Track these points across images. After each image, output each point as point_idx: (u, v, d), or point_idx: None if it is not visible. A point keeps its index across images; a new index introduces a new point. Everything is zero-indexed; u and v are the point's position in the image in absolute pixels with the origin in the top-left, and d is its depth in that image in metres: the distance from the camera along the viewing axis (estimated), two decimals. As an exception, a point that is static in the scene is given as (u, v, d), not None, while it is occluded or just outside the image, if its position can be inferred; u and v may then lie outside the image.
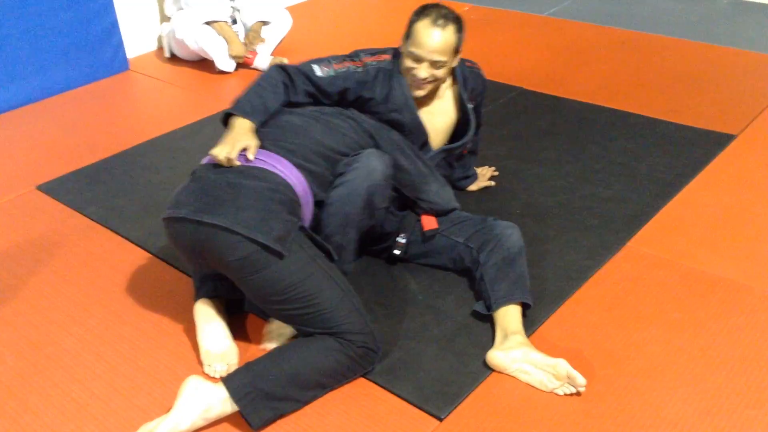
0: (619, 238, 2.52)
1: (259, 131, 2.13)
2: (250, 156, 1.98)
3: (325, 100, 2.29)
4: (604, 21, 4.74)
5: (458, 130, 2.48)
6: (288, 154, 2.04)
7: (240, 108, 2.13)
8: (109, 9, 4.09)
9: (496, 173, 2.90)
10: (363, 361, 1.93)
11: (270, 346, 2.04)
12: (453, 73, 2.38)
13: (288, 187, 1.96)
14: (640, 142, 3.16)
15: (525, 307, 2.12)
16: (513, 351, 1.94)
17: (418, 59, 2.22)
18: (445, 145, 2.48)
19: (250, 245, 1.82)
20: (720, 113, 3.40)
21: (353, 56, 2.33)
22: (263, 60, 4.16)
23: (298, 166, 2.02)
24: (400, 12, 5.04)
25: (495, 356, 1.96)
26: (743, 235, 2.53)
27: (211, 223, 1.83)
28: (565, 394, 1.88)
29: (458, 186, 2.76)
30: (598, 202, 2.73)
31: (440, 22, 2.19)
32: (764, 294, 2.24)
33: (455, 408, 1.87)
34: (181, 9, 4.24)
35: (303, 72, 2.25)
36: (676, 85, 3.72)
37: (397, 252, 2.32)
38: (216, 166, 1.99)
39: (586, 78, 3.86)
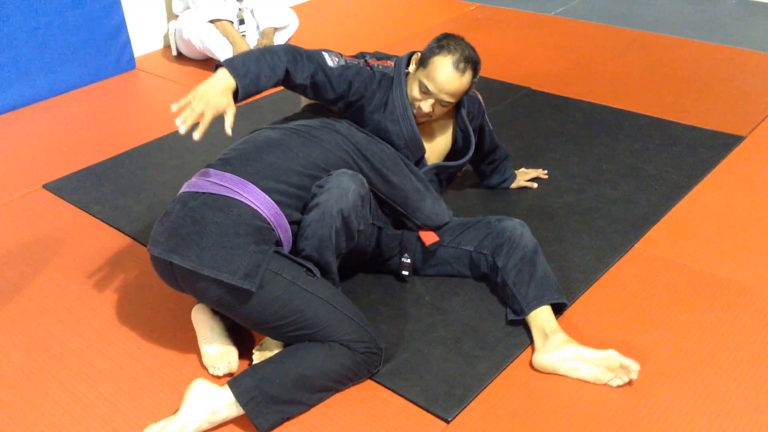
0: (627, 239, 2.51)
1: (232, 149, 2.08)
2: (228, 129, 1.90)
3: (329, 95, 2.19)
4: (612, 21, 4.72)
5: (457, 151, 2.44)
6: (256, 177, 1.96)
7: (231, 64, 1.97)
8: (116, 8, 4.09)
9: (546, 176, 2.88)
10: (368, 365, 1.92)
11: (260, 355, 2.01)
12: None
13: (255, 215, 1.90)
14: (648, 142, 3.15)
15: (559, 305, 2.12)
16: (560, 350, 1.94)
17: (428, 93, 2.17)
18: (441, 161, 2.43)
19: (218, 287, 1.82)
20: (728, 114, 3.38)
21: (359, 57, 2.30)
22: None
23: (267, 189, 1.95)
24: (404, 11, 5.04)
25: (543, 359, 1.95)
26: (752, 237, 2.52)
27: (179, 265, 1.83)
28: (618, 386, 1.89)
29: (498, 187, 2.81)
30: (606, 203, 2.72)
31: (461, 66, 2.13)
32: (773, 297, 2.23)
33: (462, 410, 1.86)
34: (188, 8, 4.24)
35: (315, 59, 2.15)
36: (684, 86, 3.70)
37: (405, 273, 2.26)
38: (186, 198, 1.94)
39: (594, 78, 3.84)
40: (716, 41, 4.31)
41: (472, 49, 2.21)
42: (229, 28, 4.11)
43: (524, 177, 2.84)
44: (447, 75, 2.14)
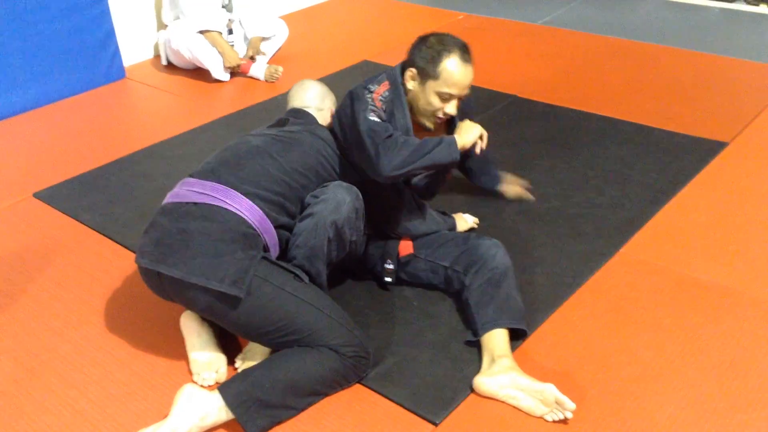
0: (612, 244, 2.54)
1: (214, 157, 2.09)
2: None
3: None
4: (598, 30, 4.78)
5: None
6: (238, 183, 1.98)
7: None
8: (105, 17, 4.11)
9: (530, 198, 2.82)
10: (356, 369, 1.94)
11: (242, 364, 2.03)
12: None
13: (240, 221, 1.92)
14: (633, 149, 3.18)
15: (520, 333, 2.08)
16: (499, 376, 1.90)
17: (450, 97, 2.15)
18: None
19: (207, 295, 1.84)
20: (712, 121, 3.42)
21: (367, 88, 2.19)
22: (259, 69, 4.17)
23: (249, 195, 1.97)
24: (392, 21, 5.07)
25: (482, 382, 1.92)
26: (735, 241, 2.55)
27: (167, 275, 1.85)
28: (554, 421, 1.84)
29: (489, 190, 2.77)
30: (592, 208, 2.75)
31: (467, 57, 2.13)
32: (755, 299, 2.26)
33: (450, 413, 1.88)
34: (178, 18, 4.26)
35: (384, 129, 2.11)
36: (669, 93, 3.75)
37: (388, 279, 2.27)
38: (170, 208, 1.96)
39: (580, 86, 3.88)
40: (700, 49, 4.36)
41: (451, 35, 2.20)
42: (219, 39, 4.13)
43: (512, 189, 2.80)
44: (462, 73, 2.12)
